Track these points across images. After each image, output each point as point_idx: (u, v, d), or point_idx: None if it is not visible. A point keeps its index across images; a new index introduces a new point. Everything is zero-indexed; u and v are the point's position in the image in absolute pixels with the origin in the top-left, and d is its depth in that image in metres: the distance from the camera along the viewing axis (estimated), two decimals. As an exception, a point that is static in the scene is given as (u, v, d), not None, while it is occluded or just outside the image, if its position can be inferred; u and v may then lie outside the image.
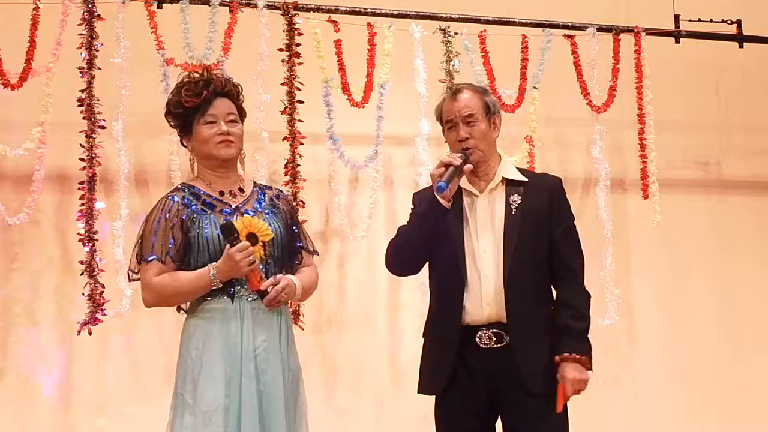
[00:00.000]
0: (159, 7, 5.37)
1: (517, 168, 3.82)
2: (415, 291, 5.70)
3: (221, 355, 3.41)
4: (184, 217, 3.48)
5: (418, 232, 3.66)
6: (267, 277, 3.49)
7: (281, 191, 3.76)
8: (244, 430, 3.36)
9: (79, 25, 5.21)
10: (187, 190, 3.55)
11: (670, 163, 6.45)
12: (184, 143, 3.65)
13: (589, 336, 3.66)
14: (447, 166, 3.56)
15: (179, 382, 3.47)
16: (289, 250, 3.62)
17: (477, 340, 3.60)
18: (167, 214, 3.50)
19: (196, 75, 3.61)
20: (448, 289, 3.64)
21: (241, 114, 3.65)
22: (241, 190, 3.60)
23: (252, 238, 3.46)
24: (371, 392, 5.91)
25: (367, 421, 5.89)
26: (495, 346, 3.59)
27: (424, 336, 3.81)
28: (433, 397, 3.75)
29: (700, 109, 6.62)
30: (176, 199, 3.53)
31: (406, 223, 3.81)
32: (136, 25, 5.27)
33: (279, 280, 3.48)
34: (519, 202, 3.66)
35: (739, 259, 6.55)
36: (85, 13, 5.21)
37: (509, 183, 3.71)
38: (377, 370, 5.93)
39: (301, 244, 3.67)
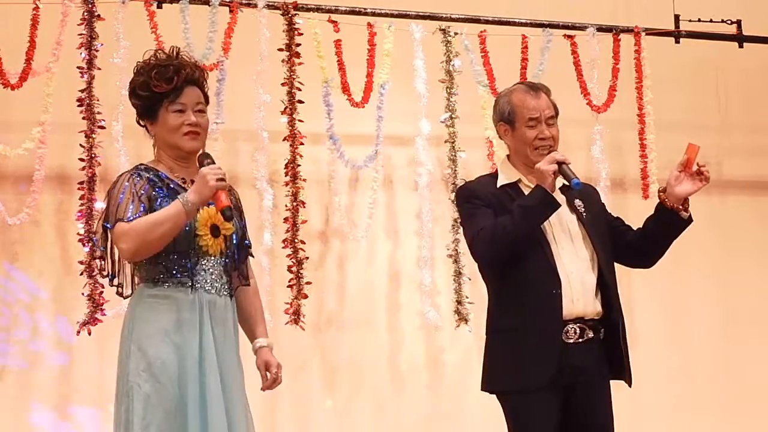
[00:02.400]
0: (159, 7, 5.37)
1: None
2: (415, 291, 5.72)
3: (179, 346, 3.32)
4: (153, 194, 3.40)
5: (526, 226, 3.65)
6: (225, 273, 3.45)
7: (231, 187, 3.64)
8: (211, 421, 3.27)
9: (79, 25, 5.21)
10: (150, 171, 3.47)
11: (670, 163, 6.41)
12: (143, 124, 3.56)
13: None
14: (560, 163, 3.60)
15: (131, 373, 3.32)
16: (240, 245, 3.55)
17: (563, 334, 3.64)
18: (135, 185, 3.40)
19: (163, 56, 3.52)
20: (540, 286, 3.65)
21: (207, 101, 3.55)
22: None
23: (214, 230, 3.42)
24: (371, 392, 5.91)
25: (367, 421, 5.89)
26: (579, 340, 3.66)
27: (497, 332, 3.80)
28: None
29: (700, 109, 6.61)
30: (142, 175, 3.45)
31: (479, 214, 3.75)
32: (136, 25, 5.27)
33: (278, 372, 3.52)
34: (582, 205, 3.78)
35: (739, 258, 6.55)
36: (85, 13, 5.21)
37: (564, 188, 3.76)
38: (377, 370, 5.92)
39: (248, 242, 3.61)
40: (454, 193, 5.63)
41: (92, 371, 5.51)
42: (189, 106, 3.46)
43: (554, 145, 3.75)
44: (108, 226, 3.43)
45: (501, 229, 3.66)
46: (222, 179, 3.33)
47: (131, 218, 3.33)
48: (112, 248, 3.46)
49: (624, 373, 3.78)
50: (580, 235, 3.73)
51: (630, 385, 3.79)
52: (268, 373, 3.53)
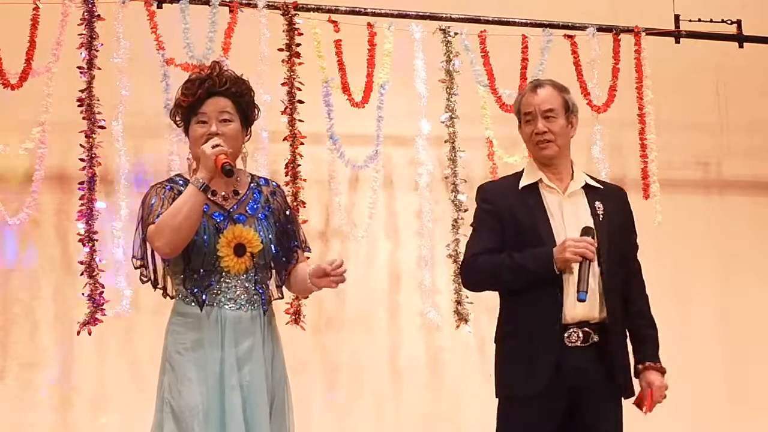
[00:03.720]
0: (159, 7, 5.36)
1: (586, 173, 3.90)
2: (415, 291, 5.71)
3: (199, 363, 3.39)
4: None
5: (517, 283, 3.70)
6: (254, 287, 3.49)
7: (278, 186, 3.71)
8: None
9: (79, 25, 5.20)
10: (185, 185, 3.49)
11: (670, 163, 6.44)
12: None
13: None
14: (584, 260, 3.57)
15: (165, 387, 3.45)
16: (285, 248, 3.59)
17: (566, 338, 3.63)
18: (164, 194, 3.47)
19: (202, 73, 3.56)
20: (543, 288, 3.65)
21: (246, 112, 3.56)
22: (236, 192, 3.55)
23: (239, 249, 3.45)
24: (371, 392, 5.91)
25: (367, 421, 5.89)
26: (581, 345, 3.64)
27: (503, 340, 3.79)
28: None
29: (699, 109, 6.61)
30: (174, 187, 3.50)
31: (482, 230, 3.79)
32: (136, 25, 5.27)
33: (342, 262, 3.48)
34: (603, 209, 3.75)
35: (739, 258, 6.54)
36: (85, 13, 5.21)
37: (588, 189, 3.78)
38: (377, 370, 5.92)
39: (296, 243, 3.64)
40: (454, 194, 5.67)
41: (92, 371, 5.52)
42: (212, 117, 3.49)
43: (555, 139, 3.74)
44: (134, 256, 3.53)
45: (490, 272, 3.71)
46: (218, 145, 3.38)
47: (158, 219, 3.40)
48: (153, 256, 3.52)
49: (620, 381, 3.73)
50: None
51: (626, 397, 3.78)
52: None
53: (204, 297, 3.43)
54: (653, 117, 6.05)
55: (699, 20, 6.16)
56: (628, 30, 6.09)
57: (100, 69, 5.19)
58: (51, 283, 5.53)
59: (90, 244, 5.08)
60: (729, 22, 6.23)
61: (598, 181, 3.89)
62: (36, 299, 5.52)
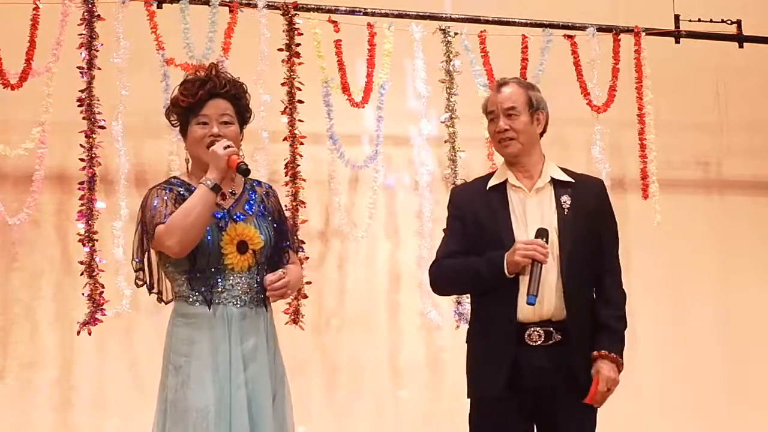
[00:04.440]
0: (159, 7, 5.37)
1: (560, 168, 3.84)
2: (415, 291, 5.71)
3: (209, 362, 3.40)
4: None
5: (473, 288, 3.76)
6: (256, 283, 3.49)
7: (271, 188, 3.73)
8: None
9: (79, 25, 5.21)
10: (182, 186, 3.52)
11: (670, 163, 6.45)
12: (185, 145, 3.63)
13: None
14: (535, 262, 3.54)
15: (168, 389, 3.44)
16: (277, 249, 3.60)
17: (527, 337, 3.60)
18: (166, 195, 3.48)
19: (200, 74, 3.58)
20: (503, 288, 3.63)
21: (243, 114, 3.61)
22: (233, 192, 3.57)
23: (241, 246, 3.47)
24: (371, 392, 5.91)
25: (367, 421, 5.89)
26: (544, 343, 3.60)
27: (471, 340, 3.79)
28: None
29: (699, 109, 6.61)
30: (173, 189, 3.51)
31: (450, 234, 3.83)
32: (136, 25, 5.27)
33: (285, 274, 3.49)
34: (569, 202, 3.69)
35: (739, 259, 6.54)
36: (85, 13, 5.21)
37: (557, 183, 3.74)
38: (377, 370, 5.92)
39: (288, 243, 3.66)
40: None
41: (92, 371, 5.52)
42: (213, 118, 3.52)
43: (518, 136, 3.72)
44: (135, 257, 3.53)
45: (449, 277, 3.75)
46: (229, 146, 3.43)
47: (166, 219, 3.40)
48: (149, 260, 3.54)
49: (582, 382, 3.63)
50: (556, 232, 3.65)
51: (583, 398, 3.63)
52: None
53: (211, 295, 3.44)
54: (653, 117, 6.05)
55: (699, 20, 6.16)
56: (628, 30, 6.09)
57: (100, 69, 5.19)
58: (51, 283, 5.53)
59: (90, 244, 5.08)
60: (729, 22, 6.23)
61: (572, 175, 3.81)
62: (36, 299, 5.52)
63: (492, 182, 3.79)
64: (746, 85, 6.68)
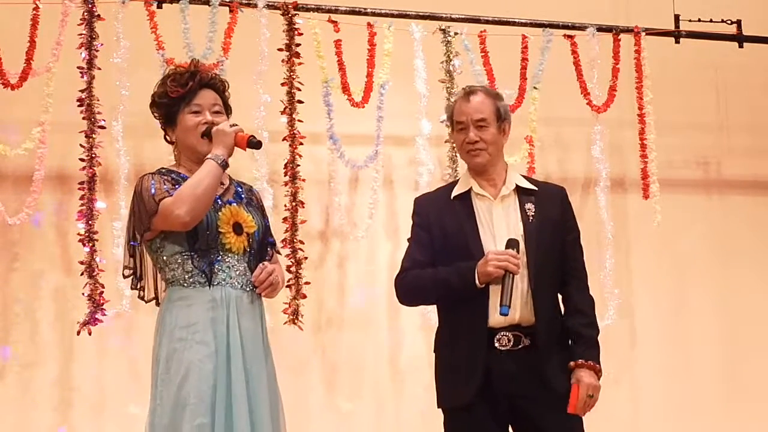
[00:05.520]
0: (159, 7, 5.37)
1: (522, 176, 3.86)
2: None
3: (208, 344, 3.39)
4: (173, 193, 3.46)
5: (441, 298, 3.74)
6: (249, 270, 3.51)
7: (252, 187, 3.76)
8: (236, 422, 3.35)
9: (79, 25, 5.21)
10: (171, 173, 3.54)
11: (670, 163, 6.45)
12: (168, 137, 3.62)
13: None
14: (507, 273, 3.54)
15: (161, 372, 3.42)
16: (263, 241, 3.62)
17: (496, 342, 3.60)
18: (161, 178, 3.48)
19: (183, 69, 3.61)
20: (473, 299, 3.62)
21: (227, 108, 3.65)
22: (221, 183, 3.56)
23: (237, 228, 3.49)
24: (371, 392, 5.91)
25: (368, 421, 5.89)
26: (514, 348, 3.61)
27: (439, 350, 3.77)
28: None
29: (699, 109, 6.61)
30: (166, 175, 3.53)
31: (413, 245, 3.80)
32: (136, 25, 5.28)
33: (267, 266, 3.52)
34: (534, 209, 3.70)
35: (739, 259, 6.54)
36: (85, 13, 5.21)
37: (521, 191, 3.74)
38: (377, 370, 5.92)
39: (272, 240, 3.68)
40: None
41: (92, 371, 5.52)
42: (205, 107, 3.55)
43: (487, 147, 3.71)
44: (132, 240, 3.50)
45: (416, 288, 3.75)
46: (234, 124, 3.47)
47: (171, 193, 3.41)
48: (142, 254, 3.54)
49: (556, 388, 3.62)
50: (522, 239, 3.65)
51: (560, 405, 3.61)
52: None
53: (211, 276, 3.45)
54: (653, 117, 6.06)
55: (699, 20, 6.16)
56: (628, 30, 6.10)
57: (100, 69, 5.20)
58: (51, 283, 5.53)
59: (90, 244, 5.08)
60: (729, 22, 6.23)
61: (535, 183, 3.83)
62: (36, 299, 5.52)
63: (456, 191, 3.78)
64: (746, 85, 6.68)
